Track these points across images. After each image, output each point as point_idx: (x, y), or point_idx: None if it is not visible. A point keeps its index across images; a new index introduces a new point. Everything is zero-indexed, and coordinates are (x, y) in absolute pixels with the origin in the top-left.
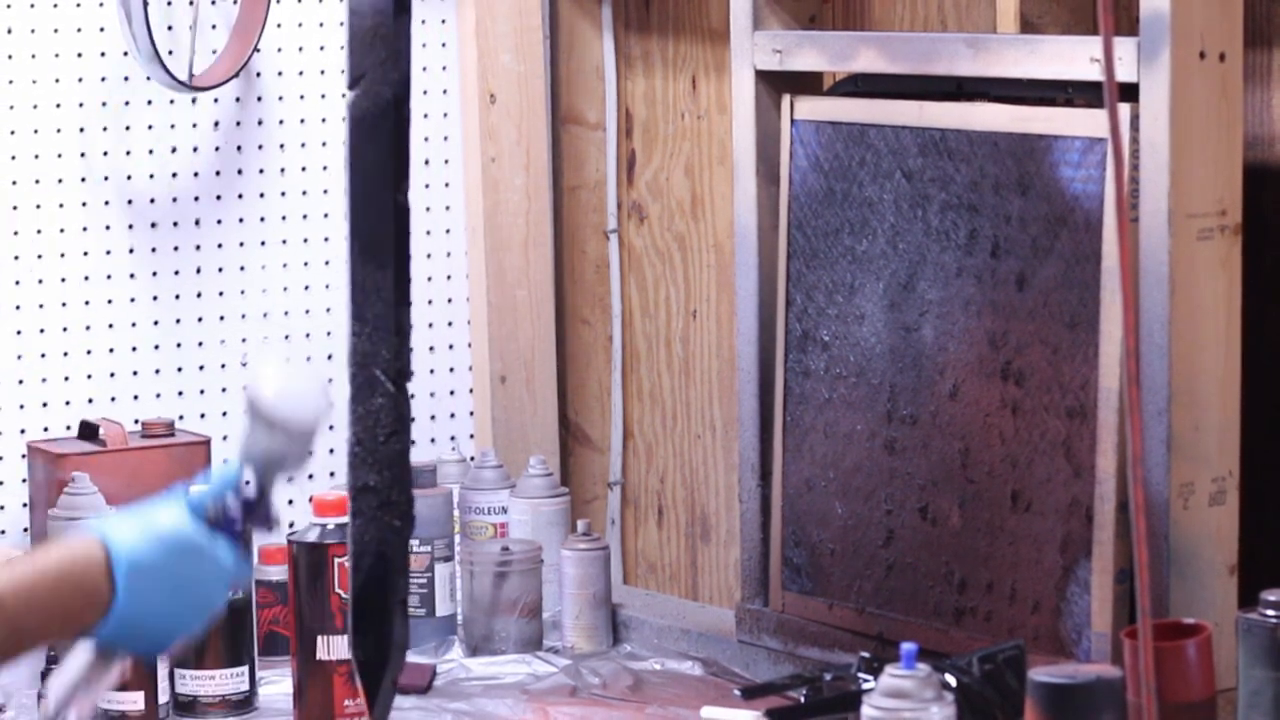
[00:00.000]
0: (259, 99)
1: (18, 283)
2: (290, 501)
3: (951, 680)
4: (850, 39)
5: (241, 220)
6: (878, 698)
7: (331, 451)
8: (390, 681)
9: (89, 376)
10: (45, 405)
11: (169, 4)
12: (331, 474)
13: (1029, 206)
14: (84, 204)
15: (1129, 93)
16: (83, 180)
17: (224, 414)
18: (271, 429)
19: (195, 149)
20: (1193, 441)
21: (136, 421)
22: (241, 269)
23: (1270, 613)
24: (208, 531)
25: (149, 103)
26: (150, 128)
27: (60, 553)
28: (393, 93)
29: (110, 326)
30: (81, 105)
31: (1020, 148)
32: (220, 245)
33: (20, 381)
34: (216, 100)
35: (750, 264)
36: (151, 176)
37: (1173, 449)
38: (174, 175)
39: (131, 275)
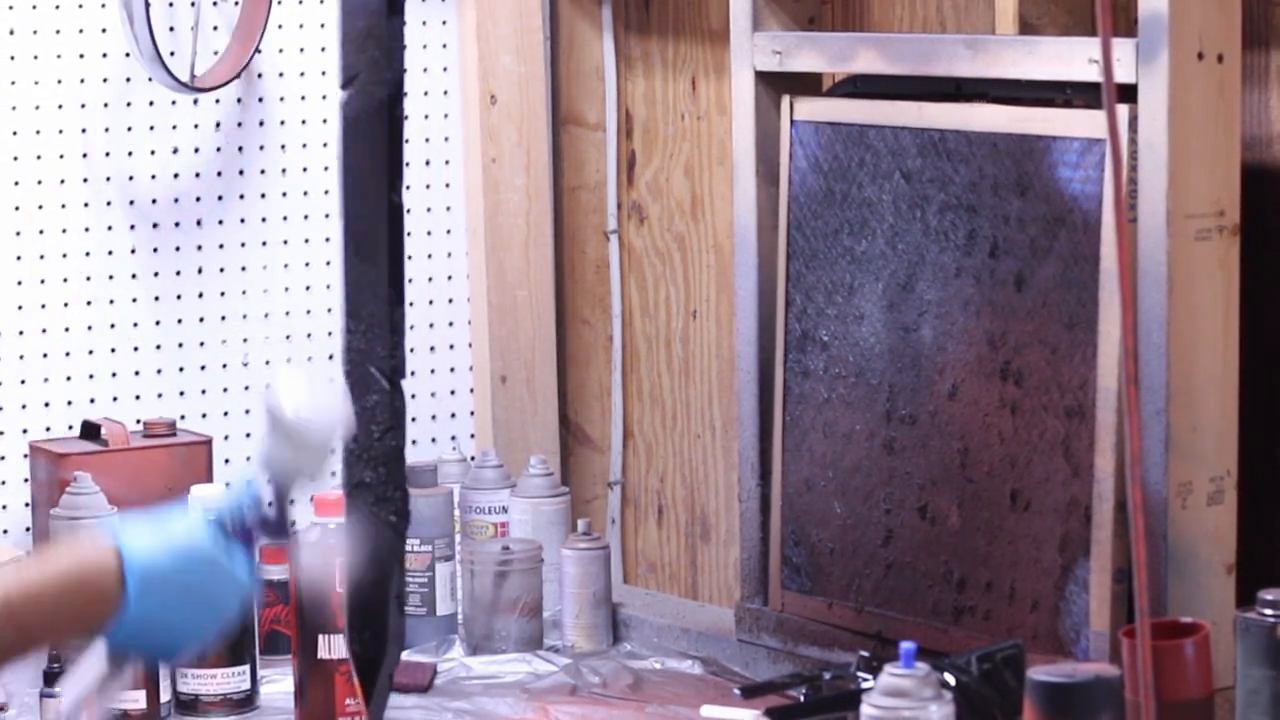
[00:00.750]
0: (260, 100)
1: (20, 283)
2: (291, 501)
3: (950, 679)
4: (849, 40)
5: (243, 221)
6: (877, 696)
7: (333, 451)
8: (386, 676)
9: (91, 376)
10: (47, 405)
11: (171, 5)
12: (333, 474)
13: (1028, 207)
14: (86, 204)
15: (1127, 94)
16: (85, 181)
17: (225, 414)
18: (291, 441)
19: (196, 150)
20: (1191, 441)
21: (138, 421)
22: (243, 269)
23: (1268, 612)
24: (223, 541)
25: (150, 103)
26: (152, 128)
27: (71, 555)
28: (386, 93)
29: (112, 326)
30: (83, 106)
31: (1019, 148)
32: (221, 245)
33: (22, 381)
34: (218, 101)
35: (750, 264)
36: (153, 177)
37: (1171, 449)
38: (175, 176)
39: (133, 275)
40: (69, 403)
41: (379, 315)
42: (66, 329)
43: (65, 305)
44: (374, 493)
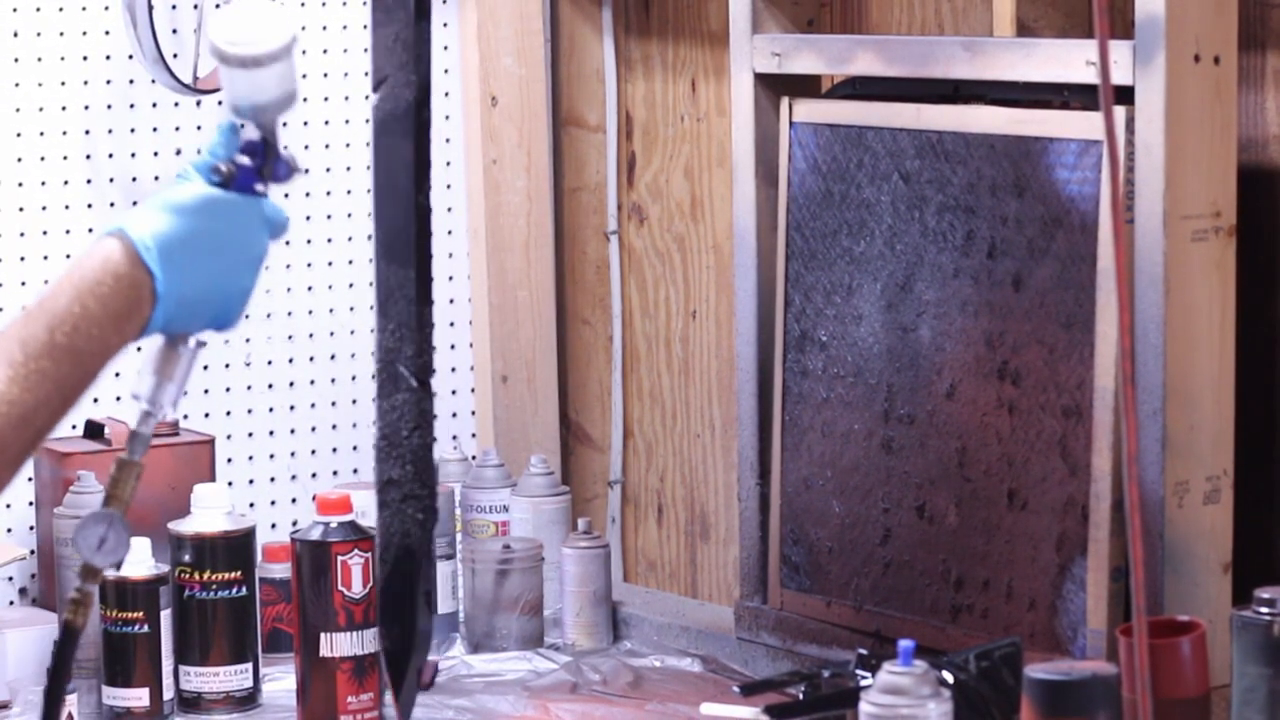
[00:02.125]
0: None
1: (24, 283)
2: (294, 500)
3: (948, 677)
4: (848, 42)
5: None
6: (875, 694)
7: (335, 451)
8: (415, 672)
9: None
10: None
11: (174, 7)
12: (335, 472)
13: (1025, 208)
14: (89, 205)
15: (1124, 95)
16: (88, 182)
17: (228, 413)
18: (246, 68)
19: (199, 151)
20: (1187, 441)
21: None
22: None
23: (1264, 610)
24: (223, 182)
25: (153, 105)
26: (155, 130)
27: (82, 267)
28: (413, 95)
29: None
30: (87, 108)
31: (1016, 150)
32: None
33: None
34: (220, 103)
35: (749, 265)
36: (156, 178)
37: (1167, 448)
38: (178, 177)
39: None
40: None
41: (407, 315)
42: None
43: None
44: (402, 490)
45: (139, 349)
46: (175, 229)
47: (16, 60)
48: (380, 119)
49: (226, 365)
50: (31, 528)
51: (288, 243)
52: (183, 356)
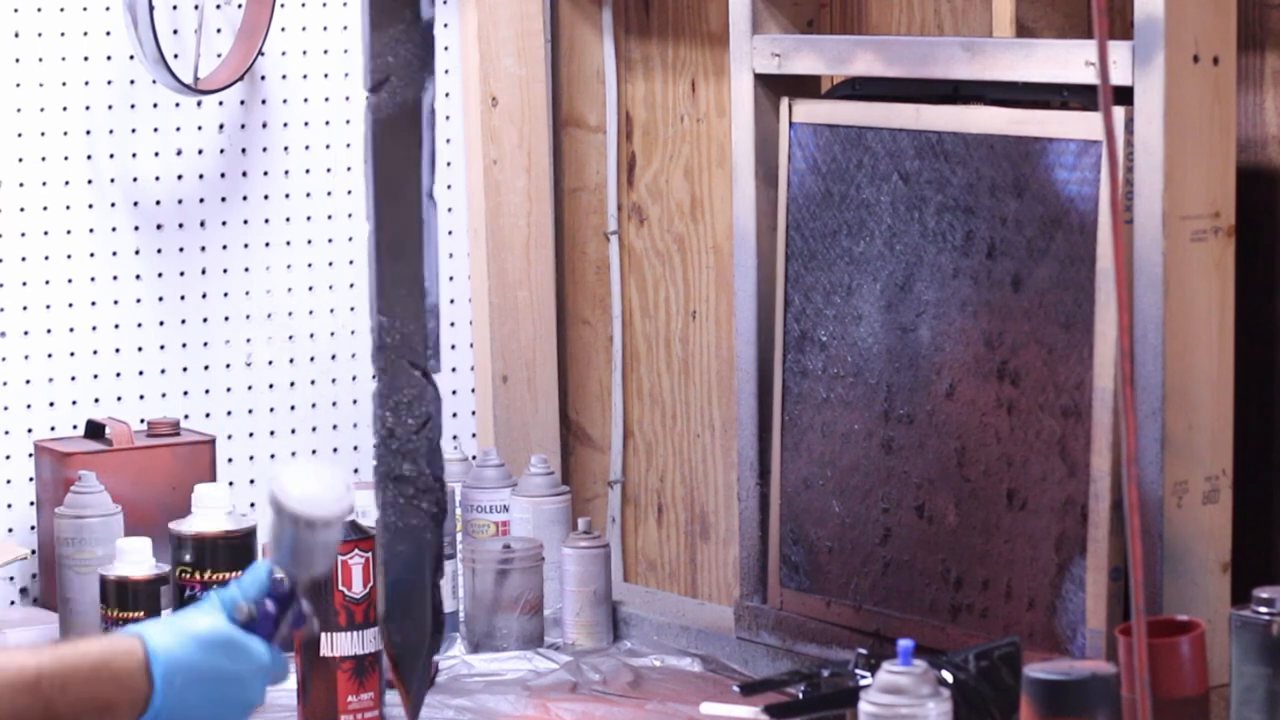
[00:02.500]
0: (263, 102)
1: (25, 283)
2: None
3: (948, 676)
4: (848, 43)
5: (246, 222)
6: (875, 694)
7: (335, 451)
8: (425, 666)
9: (95, 376)
10: (52, 405)
11: (174, 8)
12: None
13: (1024, 208)
14: (90, 205)
15: (1123, 96)
16: (89, 182)
17: (228, 413)
18: (297, 527)
19: (200, 151)
20: (1186, 441)
21: (142, 421)
22: (246, 270)
23: (1263, 610)
24: (243, 631)
25: (155, 105)
26: (156, 130)
27: (100, 644)
28: (418, 93)
29: (116, 327)
30: (88, 108)
31: (1016, 150)
32: (225, 247)
33: (27, 381)
34: (221, 103)
35: (749, 265)
36: (157, 179)
37: (1166, 448)
38: (179, 177)
39: (137, 276)
40: (73, 402)
41: (415, 310)
42: (71, 329)
43: (70, 305)
44: (413, 485)
45: (140, 349)
46: (184, 655)
47: (17, 60)
48: (383, 116)
49: (227, 366)
50: (32, 528)
51: (288, 242)
52: None
